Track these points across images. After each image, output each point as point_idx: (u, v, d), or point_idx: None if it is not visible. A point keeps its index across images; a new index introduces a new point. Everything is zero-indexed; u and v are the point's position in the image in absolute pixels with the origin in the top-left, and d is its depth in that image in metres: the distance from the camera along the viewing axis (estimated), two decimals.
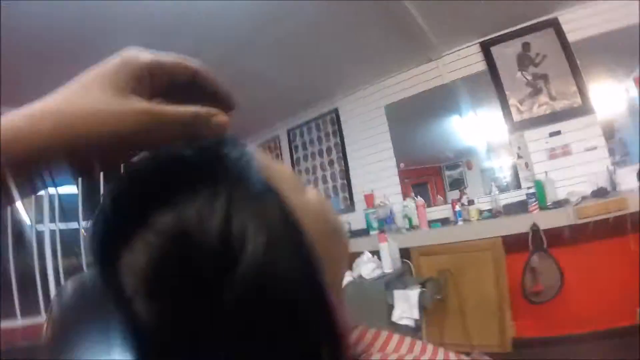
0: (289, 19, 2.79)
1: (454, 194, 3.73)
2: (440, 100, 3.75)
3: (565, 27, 3.15)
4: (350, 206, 4.29)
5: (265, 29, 2.86)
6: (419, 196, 3.70)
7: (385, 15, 2.87)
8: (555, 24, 3.17)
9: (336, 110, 4.40)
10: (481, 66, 3.51)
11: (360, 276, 3.22)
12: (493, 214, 3.33)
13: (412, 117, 3.98)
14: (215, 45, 2.94)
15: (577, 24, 3.13)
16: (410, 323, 2.91)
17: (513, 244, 3.05)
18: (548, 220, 2.90)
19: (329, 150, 4.48)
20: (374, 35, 3.20)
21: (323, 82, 4.02)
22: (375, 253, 3.31)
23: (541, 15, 3.21)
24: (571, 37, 3.14)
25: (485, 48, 3.45)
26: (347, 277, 3.27)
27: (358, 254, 3.34)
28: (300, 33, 3.01)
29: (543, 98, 3.22)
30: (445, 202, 3.76)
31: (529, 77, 3.27)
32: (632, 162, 2.99)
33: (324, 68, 3.71)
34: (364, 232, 3.90)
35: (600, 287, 2.89)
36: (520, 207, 3.19)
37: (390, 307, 2.96)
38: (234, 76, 3.33)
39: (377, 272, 3.24)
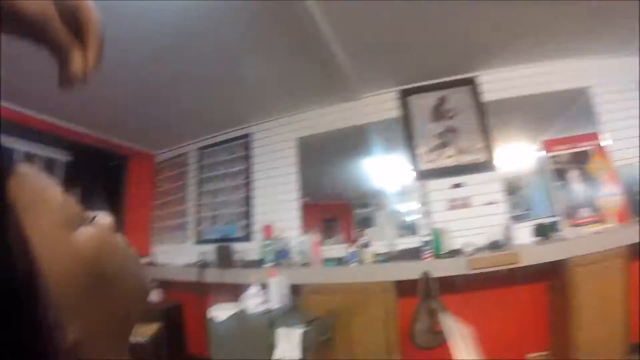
0: (213, 34, 2.66)
1: (363, 232, 3.60)
2: (353, 140, 3.71)
3: (480, 87, 3.33)
4: (247, 235, 4.00)
5: (189, 40, 2.72)
6: (315, 233, 3.53)
7: (311, 48, 2.81)
8: (472, 83, 3.34)
9: (248, 136, 4.21)
10: (396, 113, 3.55)
11: (244, 310, 3.00)
12: (388, 257, 3.24)
13: (324, 153, 3.89)
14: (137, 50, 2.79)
15: (492, 86, 3.32)
16: None
17: (406, 289, 2.92)
18: (441, 269, 2.84)
19: (235, 174, 4.22)
20: (297, 66, 3.13)
21: (239, 105, 3.84)
22: (266, 287, 3.10)
23: (461, 73, 3.36)
24: (485, 97, 3.32)
25: (404, 96, 3.52)
26: (231, 310, 3.04)
27: (245, 288, 3.12)
28: (221, 51, 2.87)
29: (450, 151, 3.29)
30: (349, 240, 3.62)
31: (440, 130, 3.35)
32: (533, 217, 3.09)
33: (242, 91, 3.54)
34: (257, 264, 3.61)
35: (489, 336, 2.83)
36: (415, 254, 3.13)
37: (272, 345, 2.69)
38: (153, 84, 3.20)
39: (263, 307, 3.01)
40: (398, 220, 3.55)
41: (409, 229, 3.43)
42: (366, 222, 3.64)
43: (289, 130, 3.99)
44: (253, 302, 3.02)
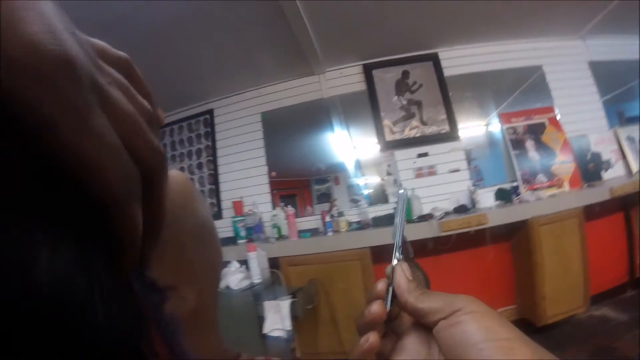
0: (171, 3, 2.36)
1: (321, 207, 3.61)
2: (317, 115, 3.66)
3: (443, 63, 3.40)
4: (218, 213, 3.85)
5: (144, 10, 2.39)
6: (289, 205, 3.49)
7: (275, 21, 2.65)
8: (434, 59, 3.39)
9: (211, 112, 3.97)
10: (361, 86, 3.53)
11: (228, 287, 2.89)
12: (362, 225, 3.30)
13: (288, 127, 3.79)
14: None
15: (453, 62, 3.41)
16: (282, 334, 2.67)
17: (381, 254, 3.01)
18: (414, 232, 2.94)
19: (199, 152, 3.98)
20: (259, 40, 2.95)
21: (199, 81, 3.57)
22: (243, 263, 3.01)
23: (424, 49, 3.40)
24: (447, 72, 3.40)
25: (368, 70, 3.49)
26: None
27: (225, 264, 2.97)
28: (180, 22, 2.59)
29: (415, 122, 3.36)
30: (313, 214, 3.63)
31: (404, 102, 3.40)
32: (485, 185, 3.30)
33: (201, 66, 3.30)
34: (231, 241, 3.51)
35: (460, 292, 3.05)
36: (388, 220, 3.21)
37: (260, 319, 2.70)
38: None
39: (246, 283, 2.94)
40: (359, 193, 3.61)
41: (380, 197, 3.51)
42: (325, 198, 3.67)
43: (252, 105, 3.81)
44: (236, 278, 2.93)
